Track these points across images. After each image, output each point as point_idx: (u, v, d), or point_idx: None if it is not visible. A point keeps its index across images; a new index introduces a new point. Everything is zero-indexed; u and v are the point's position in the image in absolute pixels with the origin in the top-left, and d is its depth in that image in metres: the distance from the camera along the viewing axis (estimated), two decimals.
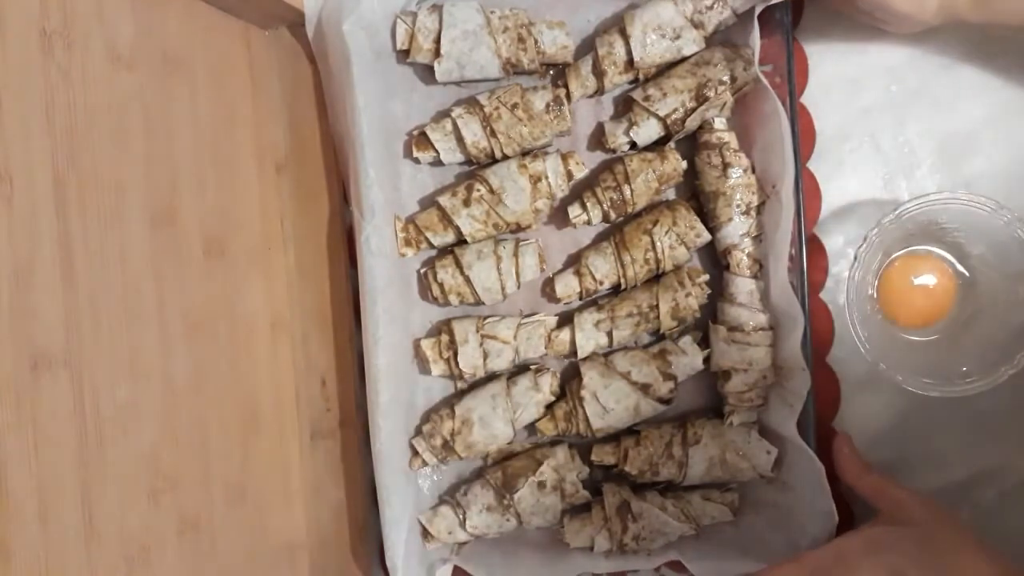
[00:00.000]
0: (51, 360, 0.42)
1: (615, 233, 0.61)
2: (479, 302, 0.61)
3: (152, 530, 0.48)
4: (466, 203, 0.60)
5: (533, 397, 0.61)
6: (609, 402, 0.59)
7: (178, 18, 0.54)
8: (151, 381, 0.49)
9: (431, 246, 0.62)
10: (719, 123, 0.59)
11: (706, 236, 0.60)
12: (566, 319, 0.62)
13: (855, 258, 0.56)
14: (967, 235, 0.58)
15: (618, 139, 0.60)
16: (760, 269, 0.60)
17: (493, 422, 0.60)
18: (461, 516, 0.61)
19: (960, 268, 0.59)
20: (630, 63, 0.59)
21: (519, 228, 0.61)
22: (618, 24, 0.59)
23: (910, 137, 0.61)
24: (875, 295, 0.59)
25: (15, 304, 0.40)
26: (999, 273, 0.57)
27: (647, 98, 0.58)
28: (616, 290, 0.62)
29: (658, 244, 0.59)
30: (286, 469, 0.62)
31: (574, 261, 0.62)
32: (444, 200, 0.60)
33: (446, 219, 0.60)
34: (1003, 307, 0.57)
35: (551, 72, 0.63)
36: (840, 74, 0.61)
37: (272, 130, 0.63)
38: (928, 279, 0.60)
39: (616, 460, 0.61)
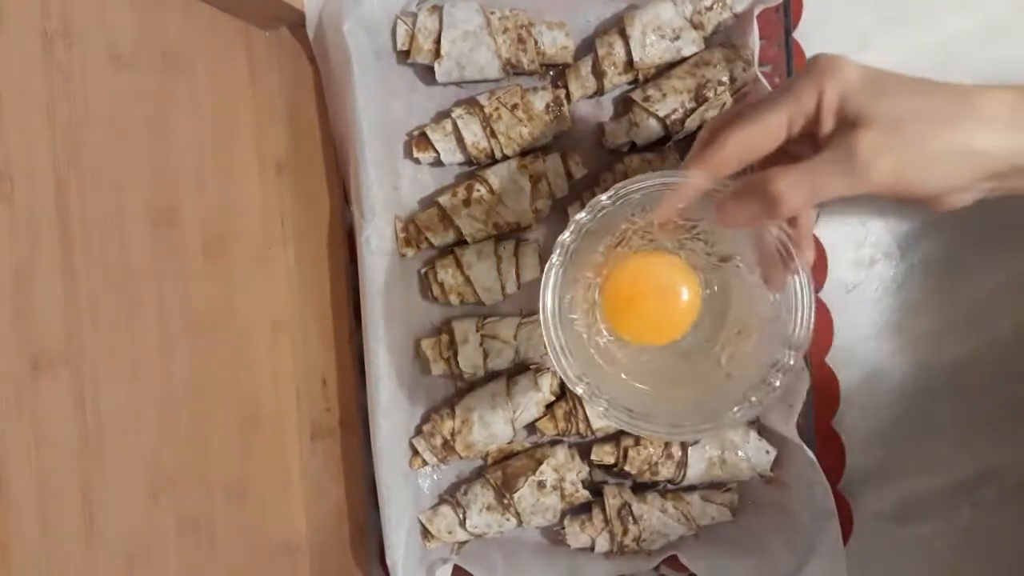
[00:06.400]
0: (51, 360, 0.42)
1: None
2: (479, 302, 0.61)
3: (152, 530, 0.48)
4: (466, 203, 0.60)
5: (533, 397, 0.61)
6: None
7: (178, 18, 0.54)
8: (151, 381, 0.49)
9: (431, 246, 0.62)
10: None
11: None
12: None
13: (554, 258, 0.45)
14: (712, 231, 0.47)
15: (618, 139, 0.60)
16: None
17: (493, 422, 0.60)
18: (461, 516, 0.61)
19: (706, 273, 0.49)
20: (630, 63, 0.59)
21: (519, 228, 0.61)
22: (618, 24, 0.59)
23: None
24: (597, 304, 0.48)
25: (15, 304, 0.40)
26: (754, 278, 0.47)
27: (647, 99, 0.58)
28: None
29: None
30: (286, 469, 0.62)
31: None
32: (444, 200, 0.60)
33: (446, 219, 0.60)
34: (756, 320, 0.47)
35: (551, 72, 0.63)
36: None
37: (272, 130, 0.63)
38: (666, 285, 0.47)
39: (616, 460, 0.61)
